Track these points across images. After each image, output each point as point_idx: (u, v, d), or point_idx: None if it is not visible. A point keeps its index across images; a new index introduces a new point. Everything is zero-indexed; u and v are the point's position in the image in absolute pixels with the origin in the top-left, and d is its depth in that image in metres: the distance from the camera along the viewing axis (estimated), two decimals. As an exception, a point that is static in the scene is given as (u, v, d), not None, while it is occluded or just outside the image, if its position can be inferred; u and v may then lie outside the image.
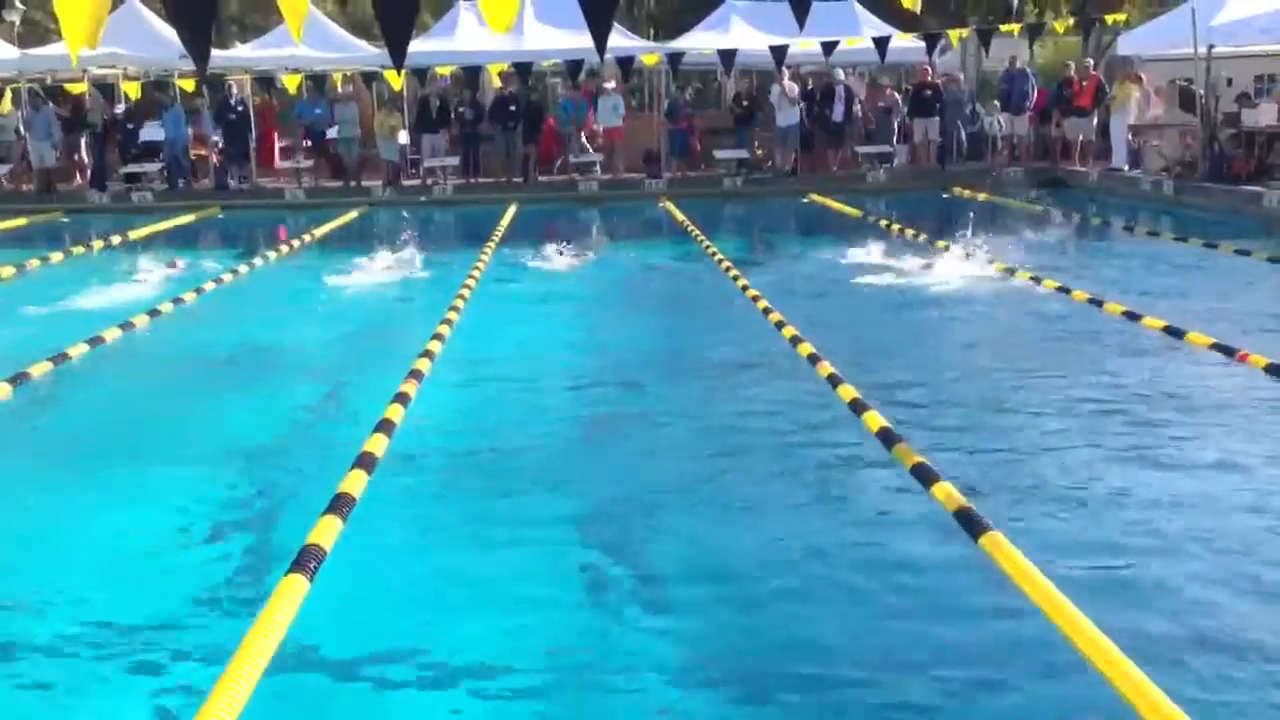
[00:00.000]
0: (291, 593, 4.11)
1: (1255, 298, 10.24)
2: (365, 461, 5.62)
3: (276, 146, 23.31)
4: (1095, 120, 20.51)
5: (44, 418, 7.45)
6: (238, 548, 5.14)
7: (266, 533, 5.35)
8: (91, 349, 8.78)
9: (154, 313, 10.19)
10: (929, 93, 21.04)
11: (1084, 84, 20.14)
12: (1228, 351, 7.53)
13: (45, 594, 4.70)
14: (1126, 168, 19.54)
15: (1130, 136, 19.74)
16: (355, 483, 5.29)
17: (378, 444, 5.93)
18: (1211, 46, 17.48)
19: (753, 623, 4.27)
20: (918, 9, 7.31)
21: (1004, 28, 21.02)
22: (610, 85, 21.44)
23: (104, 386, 8.29)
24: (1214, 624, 4.12)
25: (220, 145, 21.90)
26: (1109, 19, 21.63)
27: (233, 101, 21.42)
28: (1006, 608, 4.13)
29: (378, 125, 21.35)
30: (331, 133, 21.72)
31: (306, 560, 4.33)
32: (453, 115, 21.47)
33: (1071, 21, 23.48)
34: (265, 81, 22.18)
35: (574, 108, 21.45)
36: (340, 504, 4.98)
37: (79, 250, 14.97)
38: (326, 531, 4.66)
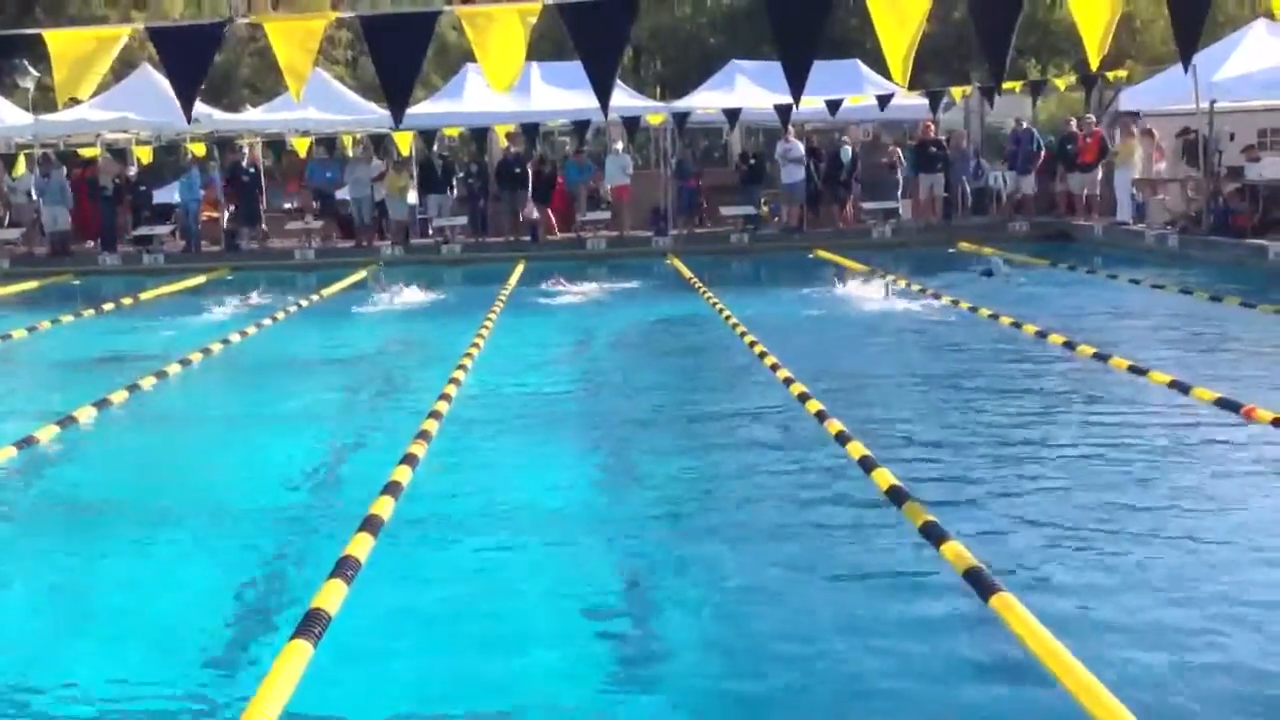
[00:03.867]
0: (295, 658, 4.08)
1: (1261, 351, 10.22)
2: (371, 524, 5.60)
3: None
4: (1099, 175, 20.63)
5: (49, 480, 7.46)
6: (243, 611, 5.12)
7: (272, 596, 5.32)
8: (99, 411, 8.80)
9: (160, 374, 10.22)
10: (933, 149, 21.22)
11: (1088, 139, 20.28)
12: (1234, 407, 7.50)
13: (46, 657, 4.68)
14: (1131, 221, 19.61)
15: (1134, 191, 19.83)
16: (361, 546, 5.28)
17: (384, 506, 5.92)
18: (1214, 101, 17.61)
19: (756, 689, 4.23)
20: (905, 85, 7.43)
21: (1006, 85, 21.20)
22: (619, 147, 21.76)
23: (110, 449, 8.30)
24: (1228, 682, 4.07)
25: (232, 207, 22.14)
26: (1111, 75, 21.81)
27: (244, 164, 21.69)
28: (1017, 667, 4.09)
29: (387, 185, 21.57)
30: (342, 194, 21.95)
31: (311, 625, 4.31)
32: (457, 177, 21.74)
33: (1074, 78, 23.68)
34: (276, 144, 22.46)
35: (580, 169, 21.73)
36: (345, 567, 4.96)
37: (89, 312, 15.06)
38: (331, 595, 4.64)
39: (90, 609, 5.22)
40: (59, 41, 6.53)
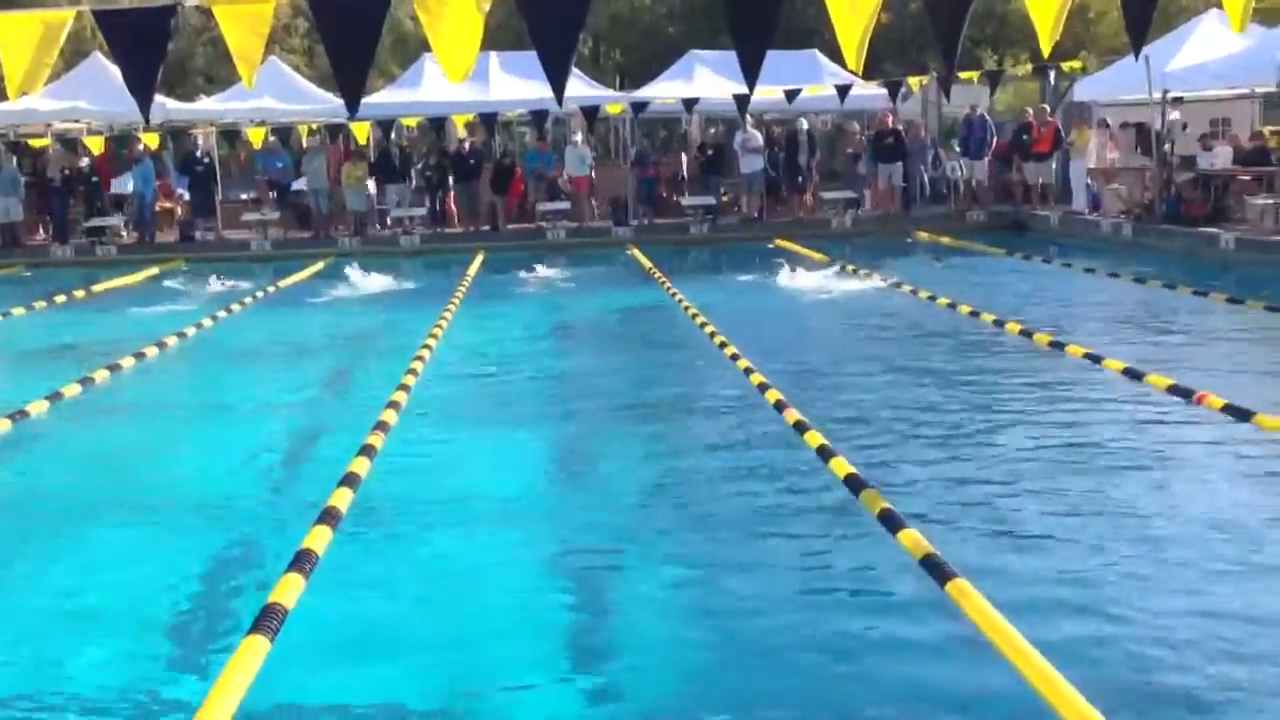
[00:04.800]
0: (252, 653, 4.04)
1: (1213, 339, 10.36)
2: (329, 516, 5.56)
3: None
4: (1054, 164, 20.82)
5: (2, 474, 7.34)
6: (198, 607, 5.06)
7: (228, 590, 5.28)
8: (51, 404, 8.67)
9: (114, 367, 10.08)
10: (891, 139, 21.33)
11: (1043, 129, 20.45)
12: (1185, 394, 7.60)
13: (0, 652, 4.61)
14: (1086, 211, 19.81)
15: (1089, 180, 20.04)
16: (318, 539, 5.23)
17: (342, 498, 5.87)
18: (1166, 92, 17.82)
19: (717, 676, 4.24)
20: (860, 73, 7.47)
21: (963, 75, 21.33)
22: (578, 138, 21.72)
23: (62, 443, 8.18)
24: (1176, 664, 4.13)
25: (187, 198, 21.85)
26: (1066, 66, 22.00)
27: (198, 154, 21.43)
28: (975, 654, 4.12)
29: (345, 176, 21.38)
30: (299, 184, 21.72)
31: (267, 620, 4.27)
32: (415, 168, 21.62)
33: (1029, 68, 23.87)
34: (230, 134, 22.18)
35: (539, 157, 21.67)
36: (302, 561, 4.92)
37: (40, 304, 14.83)
38: (288, 590, 4.59)
39: (40, 605, 5.14)
40: (4, 26, 6.40)
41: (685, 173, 22.87)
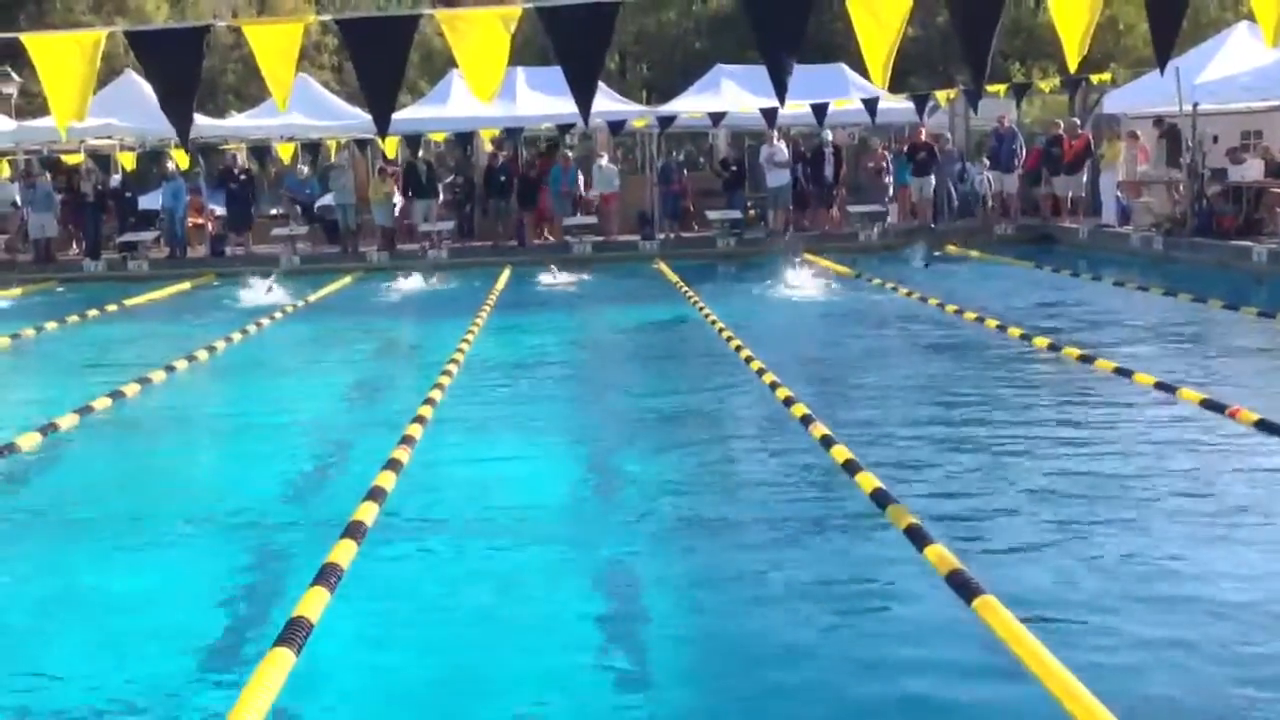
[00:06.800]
0: (277, 667, 4.06)
1: (1245, 353, 10.25)
2: (354, 530, 5.57)
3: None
4: (1084, 177, 20.70)
5: (30, 488, 7.41)
6: (225, 619, 5.08)
7: (255, 603, 5.29)
8: (81, 418, 8.75)
9: (144, 381, 10.17)
10: (923, 154, 21.28)
11: (1073, 142, 20.34)
12: (1219, 408, 7.52)
13: (24, 664, 4.64)
14: (1116, 224, 19.67)
15: (1119, 193, 19.90)
16: (344, 553, 5.25)
17: (368, 512, 5.89)
18: (1196, 104, 17.69)
19: (739, 691, 4.22)
20: (885, 88, 7.47)
21: (990, 87, 21.26)
22: (604, 157, 21.80)
23: (92, 457, 8.25)
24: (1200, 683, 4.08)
25: (218, 213, 22.08)
26: (1095, 78, 21.89)
27: (235, 170, 21.66)
28: (1000, 669, 4.09)
29: (372, 191, 21.54)
30: (325, 199, 21.91)
31: (293, 633, 4.28)
32: (443, 183, 21.76)
33: (1058, 81, 23.75)
34: (259, 150, 22.42)
35: (564, 175, 21.71)
36: (327, 574, 4.94)
37: (73, 319, 14.99)
38: (313, 603, 4.61)
39: (70, 617, 5.18)
40: (39, 47, 6.50)
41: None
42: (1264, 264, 15.15)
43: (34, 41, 6.37)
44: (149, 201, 22.22)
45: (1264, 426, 7.02)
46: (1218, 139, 19.90)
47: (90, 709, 4.25)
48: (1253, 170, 17.41)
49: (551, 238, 22.10)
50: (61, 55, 6.76)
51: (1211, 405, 7.63)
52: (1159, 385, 8.34)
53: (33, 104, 26.80)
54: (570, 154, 22.18)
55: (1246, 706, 3.93)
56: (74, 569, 5.83)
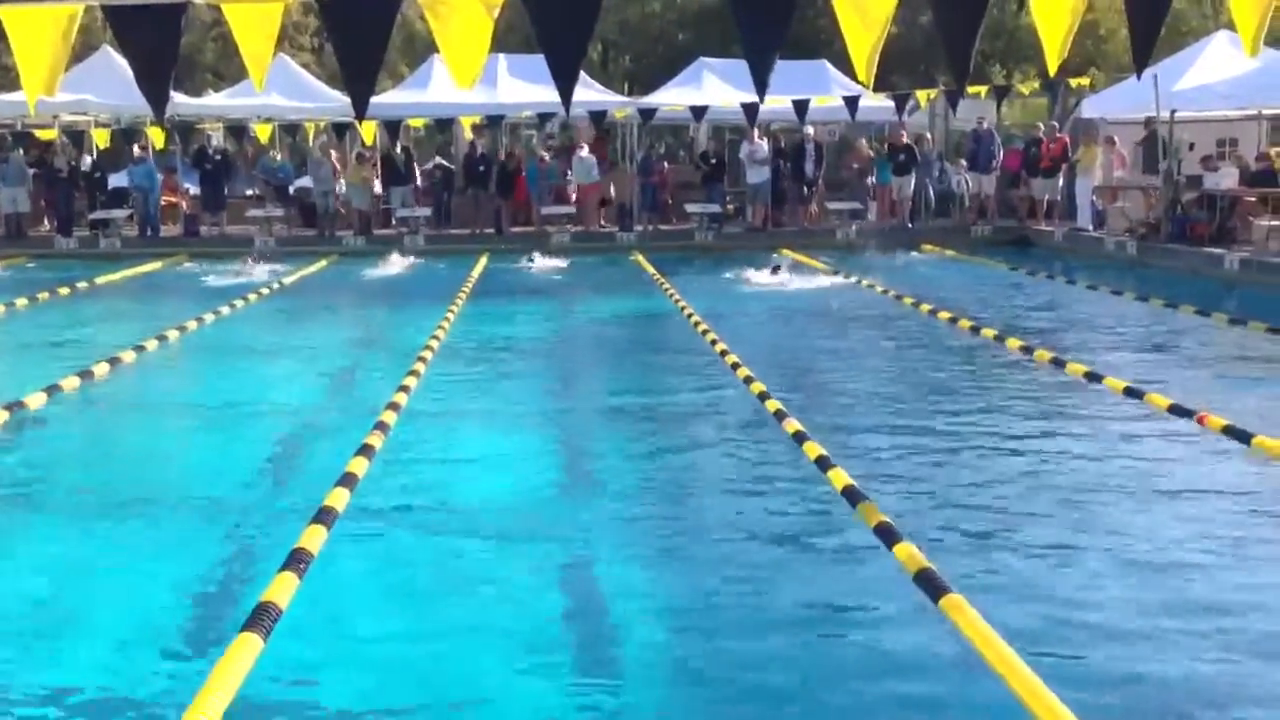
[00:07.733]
0: (245, 651, 4.03)
1: (1214, 359, 10.34)
2: (324, 516, 5.55)
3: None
4: (1061, 181, 20.83)
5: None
6: (192, 603, 5.05)
7: (223, 588, 5.26)
8: (49, 397, 8.66)
9: (114, 361, 10.08)
10: (903, 155, 21.36)
11: (1051, 145, 20.46)
12: (1187, 413, 7.59)
13: (-9, 649, 4.60)
14: (1091, 228, 19.81)
15: (1095, 198, 20.03)
16: (313, 538, 5.23)
17: (339, 498, 5.86)
18: (1174, 111, 17.82)
19: (712, 686, 4.23)
20: (869, 86, 7.49)
21: (971, 89, 21.36)
22: (584, 150, 21.74)
23: (60, 437, 8.18)
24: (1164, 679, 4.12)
25: (193, 193, 21.90)
26: (1074, 82, 22.02)
27: (210, 150, 21.47)
28: (968, 670, 4.11)
29: (350, 175, 21.42)
30: (301, 182, 21.78)
31: (260, 618, 4.26)
32: (422, 169, 21.66)
33: (1037, 84, 23.90)
34: (236, 130, 22.25)
35: (542, 174, 21.58)
36: (296, 560, 4.91)
37: (42, 296, 14.83)
38: (282, 589, 4.59)
39: (35, 599, 5.13)
40: (13, 19, 6.42)
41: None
42: (1235, 271, 15.29)
43: (8, 14, 6.30)
44: (119, 181, 22.00)
45: (1230, 432, 7.09)
46: (1194, 146, 20.06)
47: (52, 690, 4.21)
48: (1227, 178, 17.56)
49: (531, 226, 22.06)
50: (36, 28, 6.69)
51: (1179, 410, 7.69)
52: (1128, 390, 8.40)
53: (6, 78, 26.49)
54: (547, 156, 22.03)
55: (1214, 708, 3.96)
56: (36, 551, 5.77)
